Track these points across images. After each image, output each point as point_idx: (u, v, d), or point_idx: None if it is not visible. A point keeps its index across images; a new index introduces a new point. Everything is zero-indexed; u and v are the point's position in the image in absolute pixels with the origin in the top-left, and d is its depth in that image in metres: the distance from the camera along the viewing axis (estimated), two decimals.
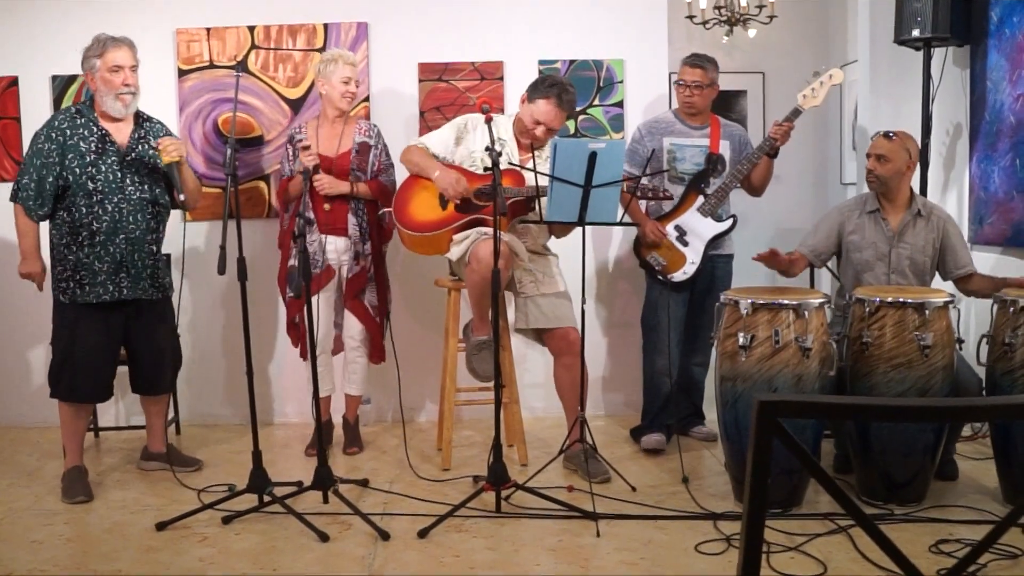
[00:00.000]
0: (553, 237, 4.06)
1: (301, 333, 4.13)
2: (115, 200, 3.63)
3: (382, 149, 4.23)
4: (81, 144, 3.62)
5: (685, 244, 4.13)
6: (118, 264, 3.64)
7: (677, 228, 4.15)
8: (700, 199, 4.12)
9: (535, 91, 3.85)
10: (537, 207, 3.68)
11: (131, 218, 3.66)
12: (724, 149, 4.18)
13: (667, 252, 4.15)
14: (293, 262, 4.10)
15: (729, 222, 4.15)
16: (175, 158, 3.60)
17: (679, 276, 4.13)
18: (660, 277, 4.15)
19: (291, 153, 4.17)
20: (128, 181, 3.66)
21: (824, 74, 3.99)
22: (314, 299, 4.07)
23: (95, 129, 3.65)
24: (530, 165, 3.70)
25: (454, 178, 3.81)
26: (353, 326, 4.19)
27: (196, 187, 3.86)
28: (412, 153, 3.98)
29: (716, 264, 4.23)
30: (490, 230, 3.74)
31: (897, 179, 3.70)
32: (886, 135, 3.74)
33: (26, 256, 3.71)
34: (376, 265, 4.19)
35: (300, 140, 4.05)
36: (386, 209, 4.09)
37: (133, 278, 3.68)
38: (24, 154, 3.70)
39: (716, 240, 4.15)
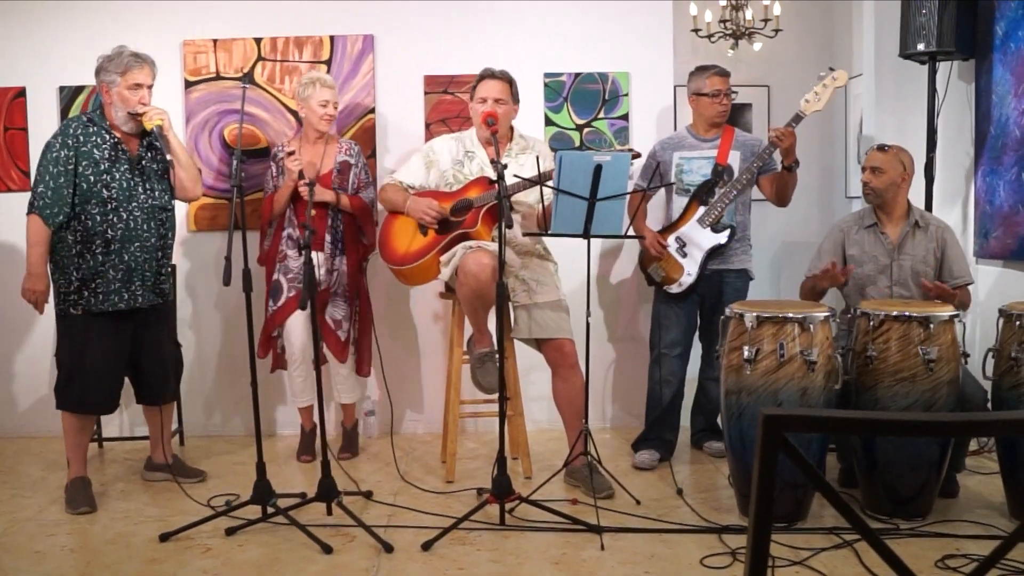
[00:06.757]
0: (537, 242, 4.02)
1: (273, 347, 4.27)
2: (129, 207, 3.65)
3: (362, 167, 4.30)
4: (95, 152, 3.62)
5: (684, 255, 4.13)
6: (131, 272, 3.65)
7: (678, 240, 4.15)
8: (701, 210, 4.12)
9: (474, 86, 3.96)
10: (503, 208, 3.34)
11: (144, 226, 3.68)
12: (733, 160, 4.14)
13: (667, 264, 4.16)
14: (276, 276, 4.17)
15: (726, 233, 4.09)
16: (157, 122, 3.62)
17: (675, 288, 4.15)
18: (662, 288, 4.19)
19: (275, 170, 4.21)
20: (140, 189, 3.68)
21: (828, 76, 3.96)
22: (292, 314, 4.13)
23: (108, 137, 3.66)
24: (515, 170, 3.72)
25: (425, 204, 3.88)
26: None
27: (190, 162, 3.85)
28: (385, 191, 4.08)
29: (724, 279, 4.17)
30: (474, 243, 3.76)
31: (893, 191, 3.70)
32: (880, 147, 3.76)
33: (33, 270, 3.60)
34: (350, 281, 4.21)
35: (283, 149, 4.16)
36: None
37: (146, 287, 3.69)
38: (37, 165, 3.65)
39: (718, 252, 4.11)
